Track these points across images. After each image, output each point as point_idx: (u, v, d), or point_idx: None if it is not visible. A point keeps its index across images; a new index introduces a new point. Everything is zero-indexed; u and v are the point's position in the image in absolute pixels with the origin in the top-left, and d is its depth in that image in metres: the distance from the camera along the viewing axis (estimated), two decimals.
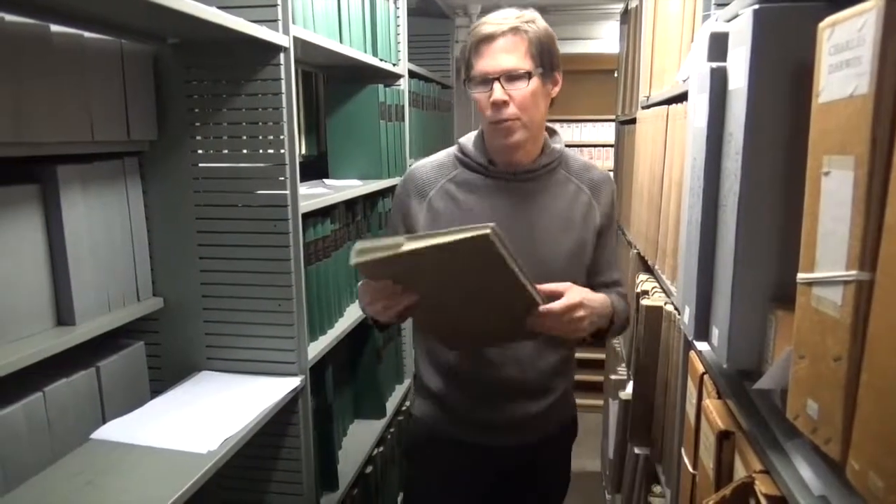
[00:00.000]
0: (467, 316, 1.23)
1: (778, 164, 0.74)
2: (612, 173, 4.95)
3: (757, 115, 0.74)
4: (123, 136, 1.32)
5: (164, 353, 1.54)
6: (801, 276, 0.60)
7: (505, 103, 1.26)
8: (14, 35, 1.05)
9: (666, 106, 1.63)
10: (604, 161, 5.16)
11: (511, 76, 1.25)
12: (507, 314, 1.22)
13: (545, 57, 1.28)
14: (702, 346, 1.12)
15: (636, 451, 1.74)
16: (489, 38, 1.27)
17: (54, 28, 1.13)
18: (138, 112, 1.36)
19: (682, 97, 1.52)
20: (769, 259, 0.76)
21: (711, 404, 1.00)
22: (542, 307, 1.17)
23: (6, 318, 1.09)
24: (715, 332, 0.86)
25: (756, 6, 0.73)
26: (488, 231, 0.98)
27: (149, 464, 1.14)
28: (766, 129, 0.74)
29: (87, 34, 1.21)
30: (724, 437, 0.91)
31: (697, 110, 0.91)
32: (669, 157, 1.57)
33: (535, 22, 1.29)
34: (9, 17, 1.04)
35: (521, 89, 1.26)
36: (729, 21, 0.88)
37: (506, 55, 1.26)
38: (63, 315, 1.22)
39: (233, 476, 1.55)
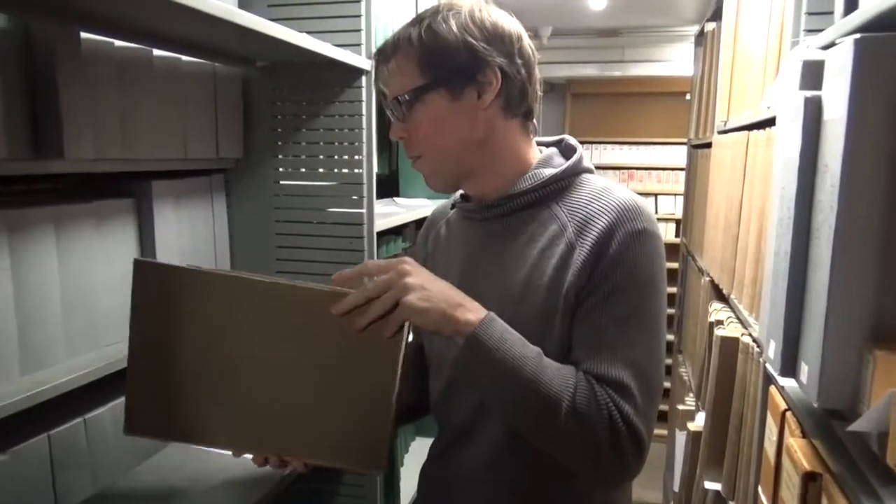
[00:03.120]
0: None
1: (878, 196, 0.71)
2: (680, 198, 4.88)
3: (856, 146, 0.71)
4: (213, 153, 1.39)
5: None
6: None
7: (402, 139, 0.96)
8: (122, 59, 1.13)
9: (746, 132, 1.60)
10: (673, 184, 5.07)
11: (397, 104, 0.94)
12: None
13: (448, 57, 0.90)
14: (784, 381, 1.08)
15: (707, 485, 1.68)
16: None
17: (156, 52, 1.20)
18: (227, 131, 1.42)
19: (763, 123, 1.48)
20: (867, 295, 0.73)
21: (796, 443, 0.96)
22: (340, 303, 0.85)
23: (101, 325, 1.15)
24: (804, 368, 0.83)
25: (857, 35, 0.71)
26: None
27: (227, 470, 1.18)
28: (865, 161, 0.71)
29: (184, 58, 1.29)
30: (810, 479, 0.87)
31: (788, 139, 0.89)
32: (749, 183, 1.53)
33: (433, 16, 0.92)
34: (118, 43, 1.12)
35: (412, 118, 0.93)
36: (824, 48, 0.86)
37: (391, 78, 0.95)
38: None
39: (304, 489, 1.58)
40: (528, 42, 0.96)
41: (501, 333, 0.84)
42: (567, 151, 1.01)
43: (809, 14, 1.14)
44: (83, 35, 1.03)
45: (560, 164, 0.97)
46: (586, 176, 0.98)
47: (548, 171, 0.96)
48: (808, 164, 0.82)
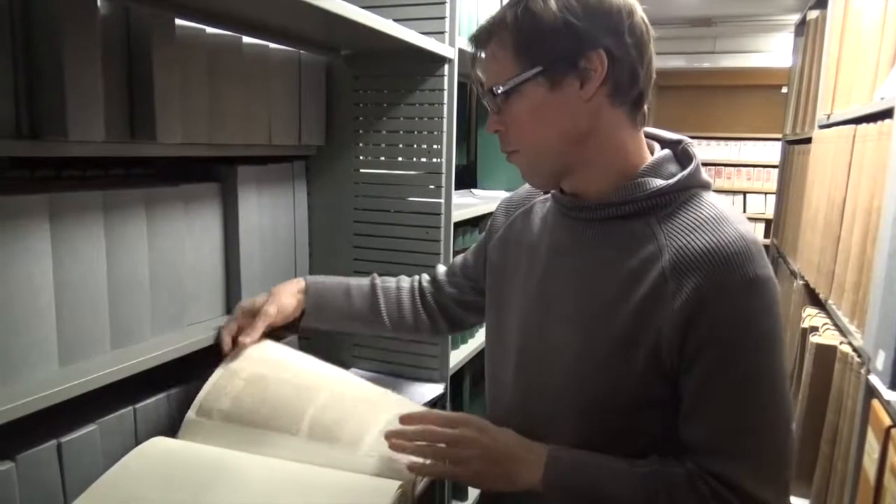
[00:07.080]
0: None
1: None
2: (771, 197, 4.61)
3: None
4: (295, 140, 1.41)
5: (314, 349, 1.61)
6: None
7: (497, 132, 0.92)
8: (212, 46, 1.15)
9: (853, 125, 1.48)
10: (764, 182, 4.83)
11: (491, 96, 0.88)
12: None
13: (546, 42, 0.83)
14: (890, 396, 0.99)
15: (794, 500, 1.59)
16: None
17: (245, 40, 1.22)
18: (310, 118, 1.44)
19: (874, 116, 1.37)
20: None
21: None
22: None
23: (188, 304, 1.18)
24: None
25: None
26: None
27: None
28: None
29: (272, 45, 1.30)
30: None
31: None
32: (855, 180, 1.42)
33: None
34: (209, 30, 1.14)
35: (508, 110, 0.88)
36: None
37: (487, 67, 0.90)
38: (232, 305, 1.31)
39: None
40: (640, 15, 0.85)
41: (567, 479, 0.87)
42: (683, 158, 0.91)
43: None
44: (177, 21, 1.06)
45: (671, 173, 0.87)
46: (698, 192, 0.87)
47: (656, 183, 0.85)
48: None
